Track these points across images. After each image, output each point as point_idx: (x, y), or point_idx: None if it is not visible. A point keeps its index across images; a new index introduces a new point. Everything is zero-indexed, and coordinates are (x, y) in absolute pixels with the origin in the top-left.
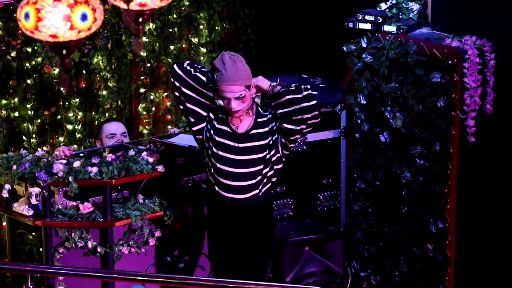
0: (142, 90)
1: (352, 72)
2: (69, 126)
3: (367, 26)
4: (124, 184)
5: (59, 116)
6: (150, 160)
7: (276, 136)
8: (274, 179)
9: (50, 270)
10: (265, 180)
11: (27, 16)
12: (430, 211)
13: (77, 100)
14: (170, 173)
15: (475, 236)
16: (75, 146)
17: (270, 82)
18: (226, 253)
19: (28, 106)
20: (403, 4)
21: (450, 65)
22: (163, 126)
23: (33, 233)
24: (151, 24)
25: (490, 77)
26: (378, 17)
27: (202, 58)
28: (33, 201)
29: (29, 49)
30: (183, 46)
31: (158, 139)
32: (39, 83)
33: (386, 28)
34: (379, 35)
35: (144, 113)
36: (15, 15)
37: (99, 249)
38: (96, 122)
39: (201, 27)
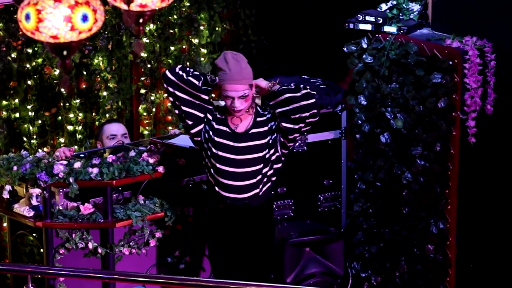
0: (142, 91)
1: (352, 73)
2: (70, 127)
3: (368, 26)
4: (125, 185)
5: (60, 117)
6: (151, 161)
7: (275, 135)
8: (274, 178)
9: (50, 271)
10: (265, 179)
11: (27, 17)
12: (431, 211)
13: (77, 101)
14: (170, 174)
15: (476, 236)
16: (76, 147)
17: (268, 82)
18: (227, 253)
19: (29, 107)
20: (404, 5)
21: (451, 65)
22: (163, 127)
23: (34, 234)
24: (151, 25)
25: (490, 78)
26: (379, 18)
27: (202, 59)
28: (34, 202)
29: (29, 50)
30: (184, 47)
31: (159, 140)
32: (39, 84)
33: (387, 28)
34: (380, 35)
35: (145, 114)
36: (15, 16)
37: (99, 250)
38: (97, 123)
39: (201, 28)
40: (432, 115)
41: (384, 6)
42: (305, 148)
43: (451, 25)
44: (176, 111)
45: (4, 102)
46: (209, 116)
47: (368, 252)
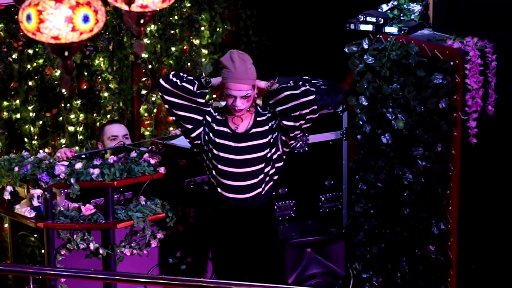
0: (143, 92)
1: (353, 74)
2: (71, 128)
3: (369, 27)
4: (126, 185)
5: (61, 118)
6: (152, 161)
7: (276, 134)
8: (276, 177)
9: (52, 272)
10: (267, 178)
11: (29, 18)
12: (432, 212)
13: (78, 101)
14: (171, 175)
15: (477, 237)
16: (77, 148)
17: (266, 82)
18: (231, 254)
19: (30, 108)
20: (405, 6)
21: (452, 66)
22: (164, 128)
23: (35, 235)
24: (152, 26)
25: (491, 78)
26: (380, 19)
27: (203, 59)
28: (35, 203)
29: (30, 51)
30: (185, 47)
31: (160, 141)
32: (40, 85)
33: (388, 29)
34: (381, 36)
35: (146, 114)
36: (16, 16)
37: (101, 251)
38: (98, 123)
39: (202, 28)
40: (433, 115)
41: (385, 7)
42: (306, 149)
43: (452, 25)
44: (174, 118)
45: (5, 103)
46: (208, 118)
47: (370, 252)
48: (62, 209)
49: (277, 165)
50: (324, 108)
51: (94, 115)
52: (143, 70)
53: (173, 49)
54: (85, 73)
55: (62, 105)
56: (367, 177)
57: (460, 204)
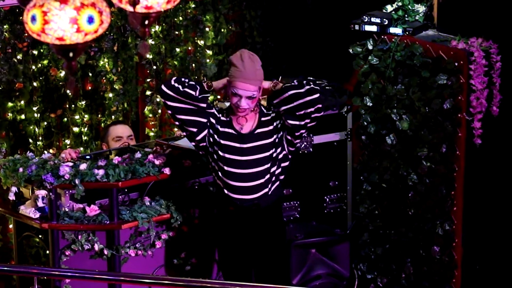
0: (148, 93)
1: (358, 74)
2: (75, 129)
3: (373, 28)
4: (131, 186)
5: (65, 119)
6: (157, 162)
7: (281, 133)
8: (282, 177)
9: (56, 273)
10: (273, 178)
11: (33, 19)
12: (437, 213)
13: (83, 102)
14: (176, 176)
15: (481, 238)
16: (82, 148)
17: (270, 81)
18: (238, 255)
19: (34, 108)
20: (409, 6)
21: (456, 67)
22: (169, 129)
23: (40, 236)
24: (157, 27)
25: (496, 79)
26: (384, 19)
27: (208, 60)
28: (40, 203)
29: (35, 52)
30: (189, 48)
31: (165, 142)
32: (45, 85)
33: (392, 30)
34: (385, 37)
35: (150, 115)
36: (21, 17)
37: (105, 252)
38: (102, 124)
39: (207, 29)
40: (437, 116)
41: (389, 8)
42: (310, 149)
43: (456, 26)
44: (177, 122)
45: (10, 104)
46: (212, 120)
47: (374, 253)
48: (66, 210)
49: (283, 164)
50: (328, 109)
51: (99, 116)
52: (148, 71)
53: (177, 50)
54: (90, 74)
55: (67, 106)
56: (371, 178)
57: (465, 205)
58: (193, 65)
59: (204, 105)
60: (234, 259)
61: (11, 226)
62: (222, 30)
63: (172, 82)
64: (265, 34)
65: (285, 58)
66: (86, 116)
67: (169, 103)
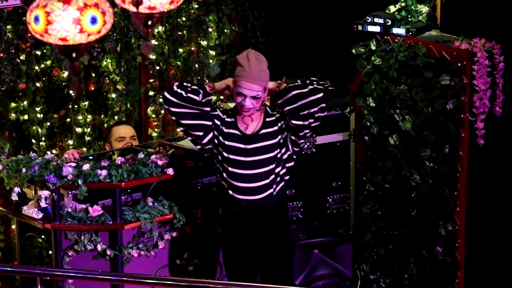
0: (151, 93)
1: (361, 75)
2: (78, 129)
3: (376, 28)
4: (134, 187)
5: (68, 119)
6: (159, 163)
7: (286, 134)
8: (287, 178)
9: (59, 273)
10: (278, 179)
11: (36, 19)
12: (440, 213)
13: (86, 103)
14: (179, 176)
15: (484, 238)
16: (84, 149)
17: (274, 82)
18: (243, 256)
19: (37, 109)
20: (412, 7)
21: (459, 67)
22: (172, 129)
23: (43, 236)
24: (160, 27)
25: (499, 80)
26: (387, 20)
27: (211, 61)
28: (43, 204)
29: (38, 52)
30: (192, 49)
31: (167, 142)
32: (48, 86)
33: (395, 30)
34: (388, 37)
35: (153, 116)
36: (24, 18)
37: (108, 252)
38: (105, 125)
39: (210, 30)
40: (440, 117)
41: (392, 8)
42: (313, 150)
43: (459, 26)
44: (182, 128)
45: (13, 104)
46: (217, 122)
47: (377, 254)
48: (69, 210)
49: (287, 165)
50: (331, 109)
51: (102, 116)
52: (151, 72)
53: (180, 50)
54: (93, 75)
55: (70, 106)
56: (374, 178)
57: (468, 205)
58: (196, 65)
59: (208, 108)
60: (239, 260)
61: (14, 226)
62: (225, 30)
63: (175, 88)
64: (268, 35)
65: (288, 58)
66: (89, 116)
67: (173, 109)
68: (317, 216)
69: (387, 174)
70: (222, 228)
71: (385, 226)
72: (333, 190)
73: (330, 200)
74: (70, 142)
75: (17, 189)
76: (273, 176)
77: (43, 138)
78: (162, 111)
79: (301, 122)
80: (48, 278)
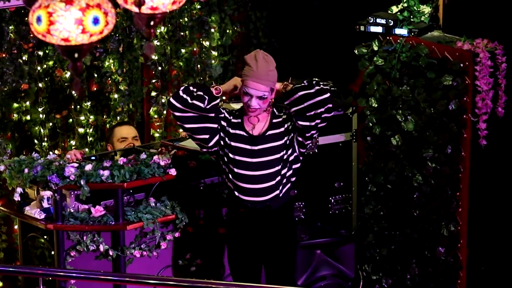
0: (153, 94)
1: (363, 75)
2: (81, 130)
3: (378, 29)
4: (136, 187)
5: (71, 120)
6: (162, 163)
7: (292, 135)
8: (293, 179)
9: (62, 274)
10: (284, 180)
11: (39, 19)
12: (442, 214)
13: (88, 103)
14: (181, 177)
15: (487, 239)
16: (87, 149)
17: (280, 83)
18: (249, 257)
19: (40, 109)
20: (415, 7)
21: (462, 68)
22: (174, 130)
23: (45, 237)
24: (162, 28)
25: (501, 80)
26: (390, 20)
27: (213, 61)
28: (45, 204)
29: (40, 53)
30: (195, 49)
31: (170, 143)
32: (50, 86)
33: (398, 31)
34: (391, 38)
35: (156, 116)
36: (26, 18)
37: (110, 253)
38: (108, 125)
39: (212, 30)
40: (443, 117)
41: (395, 9)
42: (316, 150)
43: (462, 27)
44: (187, 132)
45: (15, 105)
46: (223, 123)
47: (379, 254)
48: (72, 210)
49: (294, 166)
50: (334, 110)
51: (104, 116)
52: (153, 72)
53: (183, 51)
54: (95, 75)
55: (72, 106)
56: (376, 179)
57: (470, 206)
58: (198, 66)
59: (213, 114)
60: (244, 260)
61: (16, 227)
62: (228, 31)
63: (181, 93)
64: (270, 35)
65: (290, 59)
66: (92, 117)
67: (177, 114)
68: (319, 217)
69: (389, 174)
70: (227, 229)
71: (387, 226)
72: (335, 190)
73: (332, 200)
74: (73, 142)
75: (19, 190)
76: (279, 178)
77: (46, 139)
78: (165, 112)
79: (308, 123)
80: (50, 278)
